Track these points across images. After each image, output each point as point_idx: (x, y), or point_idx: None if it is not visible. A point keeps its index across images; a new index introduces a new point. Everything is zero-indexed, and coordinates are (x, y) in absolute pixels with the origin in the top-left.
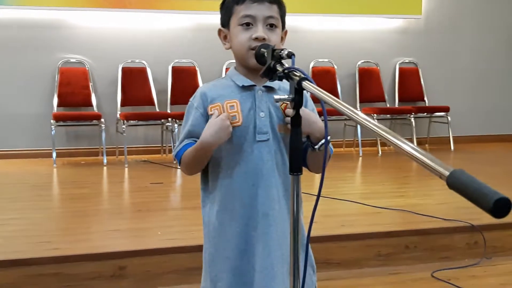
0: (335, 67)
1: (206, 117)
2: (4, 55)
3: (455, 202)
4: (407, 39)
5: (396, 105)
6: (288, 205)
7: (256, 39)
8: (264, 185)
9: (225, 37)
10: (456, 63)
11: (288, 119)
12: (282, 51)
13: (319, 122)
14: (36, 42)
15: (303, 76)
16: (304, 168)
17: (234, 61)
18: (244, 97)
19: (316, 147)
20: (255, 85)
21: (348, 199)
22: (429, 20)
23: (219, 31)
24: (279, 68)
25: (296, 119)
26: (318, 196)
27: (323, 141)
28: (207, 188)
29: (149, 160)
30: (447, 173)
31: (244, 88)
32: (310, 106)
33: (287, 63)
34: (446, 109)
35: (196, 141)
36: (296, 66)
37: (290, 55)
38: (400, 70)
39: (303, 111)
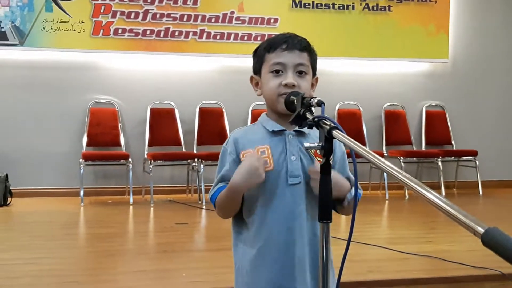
0: (361, 109)
1: (239, 162)
2: (37, 95)
3: (484, 249)
4: (434, 82)
5: (423, 149)
6: (315, 250)
7: (286, 85)
8: (298, 228)
9: (256, 84)
10: (484, 107)
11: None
12: (312, 99)
13: (346, 183)
14: (68, 83)
15: (333, 125)
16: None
17: (259, 103)
18: (274, 142)
19: (345, 203)
20: (285, 130)
21: (375, 244)
22: (456, 64)
23: (251, 78)
24: (309, 116)
25: (326, 167)
26: (348, 244)
27: (350, 193)
28: (240, 233)
29: (175, 200)
30: (482, 230)
31: (275, 133)
32: (339, 152)
33: (316, 111)
34: (474, 153)
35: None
36: (325, 115)
37: (320, 104)
38: (427, 113)
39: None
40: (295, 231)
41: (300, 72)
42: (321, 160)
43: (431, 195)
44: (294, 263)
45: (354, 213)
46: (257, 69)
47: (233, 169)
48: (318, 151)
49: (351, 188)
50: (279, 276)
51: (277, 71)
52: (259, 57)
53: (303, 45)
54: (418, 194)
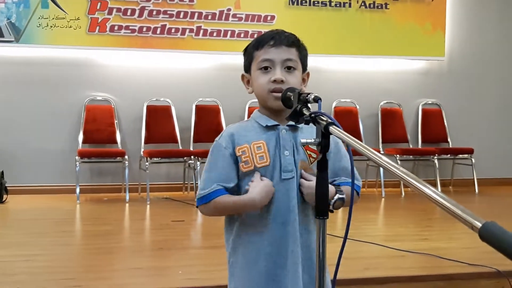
0: (358, 107)
1: (234, 157)
2: (32, 92)
3: (480, 247)
4: (430, 80)
5: (419, 146)
6: (307, 244)
7: (275, 81)
8: (291, 222)
9: (247, 82)
10: (480, 104)
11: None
12: (308, 95)
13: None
14: (64, 80)
15: (330, 120)
16: None
17: (256, 100)
18: (268, 137)
19: (330, 207)
20: (278, 125)
21: (371, 241)
22: (452, 61)
23: (242, 76)
24: (306, 112)
25: (322, 163)
26: (344, 242)
27: (335, 198)
28: (233, 228)
29: (171, 197)
30: (479, 225)
31: (268, 128)
32: (341, 151)
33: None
34: (470, 151)
35: (224, 186)
36: (322, 111)
37: (317, 99)
38: (423, 111)
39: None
40: (288, 225)
41: (289, 68)
42: (312, 154)
43: (428, 190)
44: (287, 255)
45: (351, 211)
46: (247, 67)
47: (229, 165)
48: (315, 147)
49: (335, 193)
50: (272, 269)
51: (265, 68)
52: (248, 55)
53: (290, 41)
54: (415, 189)
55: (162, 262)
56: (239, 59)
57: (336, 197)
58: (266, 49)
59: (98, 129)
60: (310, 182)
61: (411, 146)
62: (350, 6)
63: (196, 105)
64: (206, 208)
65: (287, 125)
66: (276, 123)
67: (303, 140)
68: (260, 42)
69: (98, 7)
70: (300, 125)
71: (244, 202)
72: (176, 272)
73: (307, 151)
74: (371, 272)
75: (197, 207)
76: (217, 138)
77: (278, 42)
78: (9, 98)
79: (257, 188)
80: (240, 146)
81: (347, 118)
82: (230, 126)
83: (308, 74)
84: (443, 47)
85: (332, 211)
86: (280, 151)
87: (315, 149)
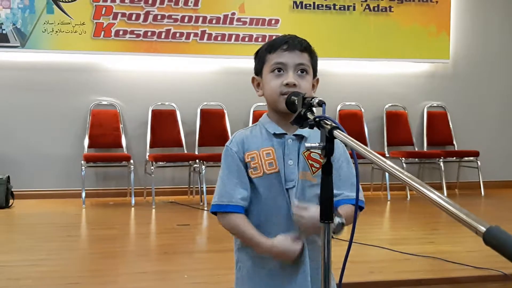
0: (363, 110)
1: (243, 163)
2: (38, 97)
3: (486, 250)
4: (435, 83)
5: (425, 149)
6: (310, 251)
7: (287, 85)
8: (294, 230)
9: (258, 85)
10: (485, 107)
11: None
12: (313, 99)
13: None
14: (69, 84)
15: (334, 125)
16: None
17: (261, 104)
18: (275, 144)
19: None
20: (286, 134)
21: (377, 245)
22: (457, 64)
23: (253, 79)
24: (310, 116)
25: (327, 168)
26: (350, 245)
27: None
28: None
29: (176, 201)
30: (483, 229)
31: (276, 135)
32: (343, 155)
33: (317, 111)
34: (475, 154)
35: (243, 205)
36: (326, 115)
37: (321, 104)
38: (429, 114)
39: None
40: (291, 231)
41: (302, 71)
42: (314, 164)
43: (433, 194)
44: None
45: (356, 214)
46: (258, 70)
47: (240, 169)
48: (319, 152)
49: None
50: (278, 274)
51: (278, 70)
52: (260, 58)
53: (303, 46)
54: (420, 194)
55: (167, 266)
56: (244, 63)
57: (336, 221)
58: (279, 52)
59: (104, 133)
60: (310, 213)
61: (416, 149)
62: (354, 9)
63: (201, 109)
64: (223, 219)
65: (294, 135)
66: (283, 131)
67: (308, 145)
68: (273, 45)
69: (103, 12)
70: (307, 134)
71: (260, 244)
72: (181, 276)
73: (309, 160)
74: (377, 276)
75: (212, 213)
76: (227, 143)
77: (292, 46)
78: (14, 103)
79: (285, 246)
80: (249, 152)
81: (352, 121)
82: (239, 132)
83: (317, 80)
84: (448, 49)
85: (332, 237)
86: (284, 160)
87: (320, 154)
